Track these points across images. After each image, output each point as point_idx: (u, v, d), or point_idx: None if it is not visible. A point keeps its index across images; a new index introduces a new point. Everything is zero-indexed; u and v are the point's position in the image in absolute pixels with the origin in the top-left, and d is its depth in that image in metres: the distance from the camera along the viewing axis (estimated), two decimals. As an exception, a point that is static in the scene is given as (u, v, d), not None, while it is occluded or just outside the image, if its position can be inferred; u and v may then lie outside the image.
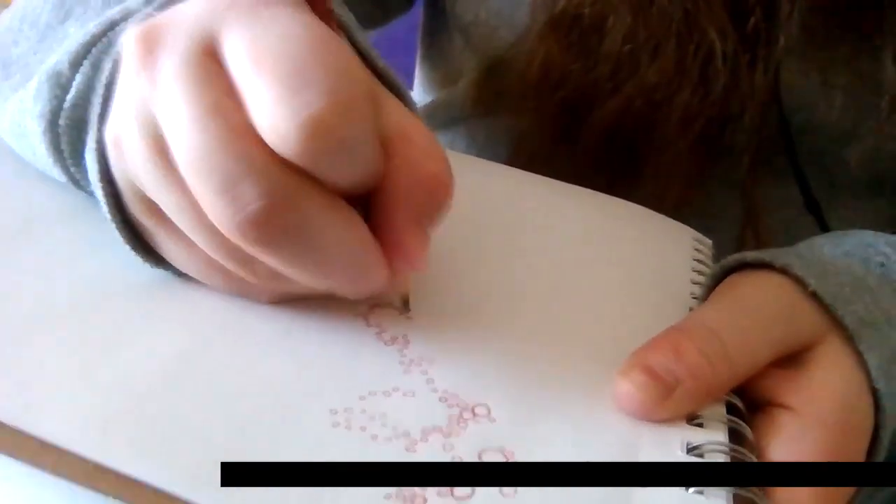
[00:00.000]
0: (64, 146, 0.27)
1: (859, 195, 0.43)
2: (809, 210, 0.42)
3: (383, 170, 0.23)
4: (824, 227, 0.42)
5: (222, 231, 0.21)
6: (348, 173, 0.22)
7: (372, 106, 0.22)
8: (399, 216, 0.23)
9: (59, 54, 0.27)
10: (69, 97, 0.26)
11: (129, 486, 0.20)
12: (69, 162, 0.27)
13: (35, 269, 0.27)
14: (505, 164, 0.43)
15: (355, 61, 0.22)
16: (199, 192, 0.21)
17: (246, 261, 0.23)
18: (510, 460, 0.23)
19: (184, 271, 0.26)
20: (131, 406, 0.22)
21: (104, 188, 0.25)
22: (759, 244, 0.40)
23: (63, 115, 0.26)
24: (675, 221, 0.37)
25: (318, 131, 0.20)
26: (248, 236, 0.21)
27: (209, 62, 0.21)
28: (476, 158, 0.39)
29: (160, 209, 0.24)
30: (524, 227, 0.34)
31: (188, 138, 0.21)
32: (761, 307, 0.27)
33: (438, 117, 0.51)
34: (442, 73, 0.52)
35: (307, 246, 0.22)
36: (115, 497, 0.20)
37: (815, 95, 0.39)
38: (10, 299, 0.25)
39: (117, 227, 0.25)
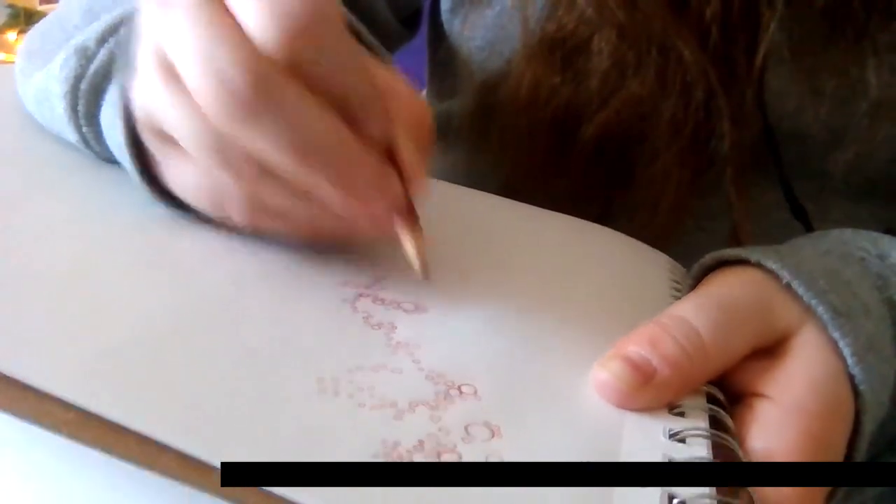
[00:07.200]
0: (80, 107, 0.31)
1: (850, 199, 0.43)
2: (796, 215, 0.42)
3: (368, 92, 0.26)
4: (812, 231, 0.42)
5: (210, 116, 0.24)
6: (325, 71, 0.25)
7: (343, 18, 0.25)
8: (400, 143, 0.27)
9: (86, 33, 0.31)
10: (92, 66, 0.31)
11: (110, 436, 0.20)
12: (82, 122, 0.31)
13: (30, 232, 0.27)
14: (503, 176, 0.44)
15: None
16: (193, 85, 0.24)
17: (232, 156, 0.25)
18: (497, 435, 0.23)
19: (179, 194, 0.28)
20: (116, 359, 0.22)
21: (125, 122, 0.28)
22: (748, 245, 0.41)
23: (85, 80, 0.31)
24: (651, 248, 0.38)
25: (295, 29, 0.24)
26: (231, 110, 0.24)
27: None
28: (461, 187, 0.40)
29: (167, 133, 0.27)
30: (506, 248, 0.35)
31: (187, 39, 0.24)
32: (737, 300, 0.28)
33: (440, 127, 0.51)
34: (445, 84, 0.54)
35: (286, 127, 0.24)
36: (93, 446, 0.19)
37: (803, 101, 0.40)
38: (3, 258, 0.25)
39: (130, 157, 0.28)
